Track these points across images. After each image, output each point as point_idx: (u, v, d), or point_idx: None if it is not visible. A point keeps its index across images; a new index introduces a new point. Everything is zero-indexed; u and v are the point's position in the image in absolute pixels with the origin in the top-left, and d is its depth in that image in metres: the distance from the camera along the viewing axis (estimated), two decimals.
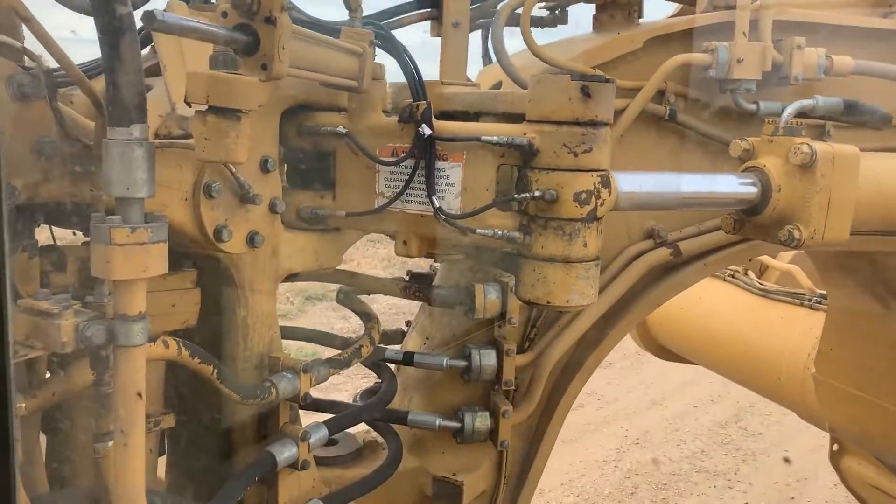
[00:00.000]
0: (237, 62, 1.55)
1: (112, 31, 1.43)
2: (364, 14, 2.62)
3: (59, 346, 1.50)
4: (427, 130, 1.94)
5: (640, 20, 3.08)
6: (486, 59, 3.19)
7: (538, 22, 3.38)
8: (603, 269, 2.68)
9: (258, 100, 1.56)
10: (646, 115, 2.80)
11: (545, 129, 1.90)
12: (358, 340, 2.47)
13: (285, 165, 2.34)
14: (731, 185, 2.26)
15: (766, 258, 5.83)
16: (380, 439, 2.93)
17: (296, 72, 1.68)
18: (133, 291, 1.55)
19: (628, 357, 11.37)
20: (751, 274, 5.73)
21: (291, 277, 2.48)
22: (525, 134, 1.91)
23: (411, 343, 2.91)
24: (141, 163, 1.50)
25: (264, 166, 2.02)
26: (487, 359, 2.57)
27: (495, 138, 1.93)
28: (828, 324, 4.77)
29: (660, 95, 2.84)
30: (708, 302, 5.70)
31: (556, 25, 3.36)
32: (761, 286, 5.51)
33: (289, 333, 2.71)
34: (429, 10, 2.88)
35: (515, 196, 1.93)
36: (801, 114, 2.59)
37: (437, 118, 2.04)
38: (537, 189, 1.90)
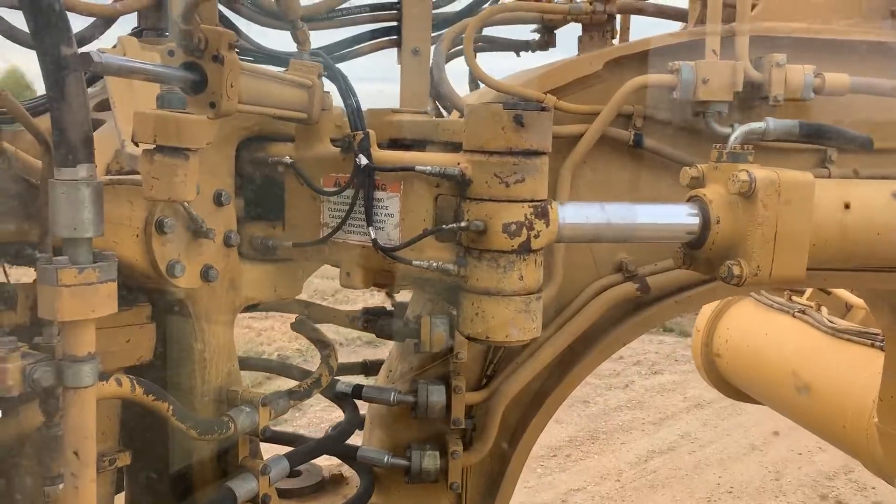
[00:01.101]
0: (184, 101, 1.55)
1: (57, 71, 1.42)
2: (325, 44, 2.66)
3: (6, 390, 1.48)
4: (363, 160, 1.93)
5: (620, 40, 3.01)
6: (473, 84, 3.20)
7: (526, 46, 3.39)
8: (568, 303, 2.65)
9: (206, 137, 1.56)
10: (611, 140, 2.67)
11: (476, 159, 1.88)
12: (316, 370, 2.46)
13: (242, 197, 2.34)
14: (677, 216, 2.09)
15: (846, 294, 5.45)
16: (347, 472, 2.92)
17: (245, 107, 1.68)
18: (81, 332, 1.53)
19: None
20: (824, 310, 5.30)
21: (250, 308, 2.47)
22: (459, 164, 1.90)
23: (381, 376, 2.90)
24: (88, 203, 1.48)
25: (218, 200, 2.01)
26: (435, 395, 2.48)
27: (428, 168, 1.91)
28: (887, 368, 4.31)
29: (627, 120, 2.70)
30: (774, 339, 5.39)
31: (546, 49, 3.37)
32: (831, 324, 5.08)
33: (247, 364, 2.69)
34: (388, 38, 2.91)
35: (444, 227, 1.91)
36: (754, 139, 2.42)
37: (387, 147, 2.05)
38: (468, 220, 1.88)
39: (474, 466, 2.61)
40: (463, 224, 1.86)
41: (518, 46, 3.41)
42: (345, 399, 2.66)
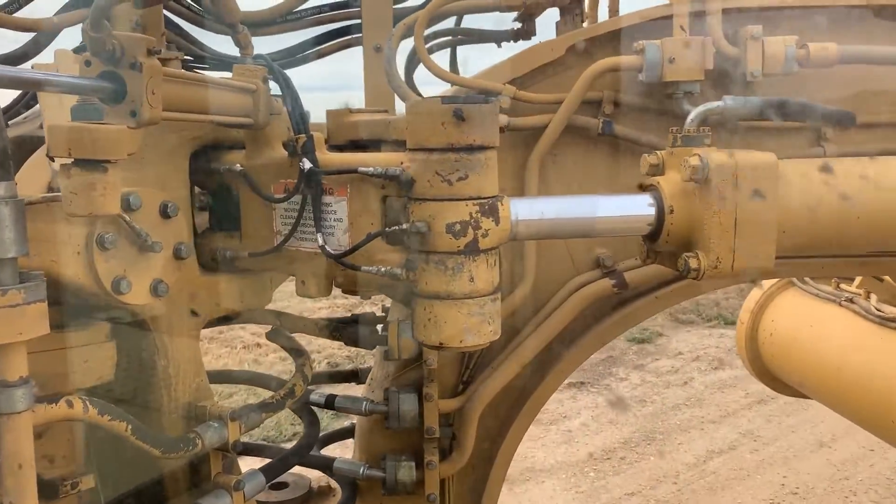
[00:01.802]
0: (102, 111, 1.49)
1: None
2: (281, 48, 2.61)
3: None
4: (307, 164, 1.86)
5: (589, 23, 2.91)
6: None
7: (506, 35, 3.31)
8: (545, 302, 2.56)
9: (127, 148, 1.50)
10: (581, 130, 2.57)
11: (418, 157, 1.79)
12: (290, 380, 2.40)
13: (205, 209, 2.30)
14: (635, 207, 1.97)
15: None
16: (335, 483, 2.87)
17: (173, 115, 1.63)
18: (11, 356, 1.48)
19: None
20: (873, 298, 4.93)
21: (221, 321, 2.43)
22: (402, 163, 1.82)
23: (366, 384, 2.84)
24: (8, 222, 1.43)
25: (164, 212, 1.96)
26: (407, 403, 2.42)
27: (371, 169, 1.84)
28: None
29: (596, 107, 2.60)
30: (819, 329, 5.13)
31: (528, 38, 3.30)
32: (879, 312, 4.79)
33: (224, 377, 2.65)
34: (348, 37, 2.86)
35: (386, 230, 1.83)
36: (713, 120, 2.32)
37: (345, 148, 1.98)
38: (411, 221, 1.79)
39: (457, 475, 2.53)
40: (405, 226, 1.78)
41: (498, 37, 3.33)
42: (303, 410, 2.61)
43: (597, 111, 2.58)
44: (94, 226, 1.79)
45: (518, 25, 3.33)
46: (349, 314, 2.53)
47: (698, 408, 10.50)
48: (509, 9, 2.78)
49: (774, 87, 2.53)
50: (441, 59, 3.30)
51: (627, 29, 2.57)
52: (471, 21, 3.33)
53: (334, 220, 1.94)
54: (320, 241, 1.88)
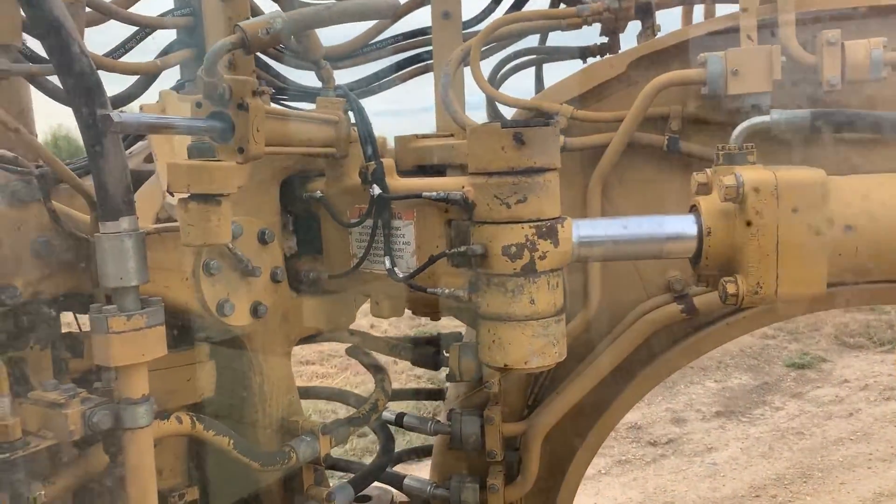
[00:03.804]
0: (213, 149, 1.62)
1: (94, 133, 1.51)
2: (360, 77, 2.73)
3: (68, 435, 1.57)
4: (376, 190, 1.94)
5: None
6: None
7: (590, 52, 3.22)
8: (613, 326, 2.49)
9: (237, 182, 1.63)
10: (647, 147, 2.49)
11: (478, 181, 1.81)
12: (372, 396, 2.50)
13: (294, 233, 2.42)
14: (681, 227, 1.87)
15: None
16: None
17: (273, 149, 1.75)
18: (135, 375, 1.61)
19: None
20: None
21: (308, 339, 2.54)
22: (463, 187, 1.85)
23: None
24: (132, 253, 1.57)
25: (262, 238, 2.09)
26: (469, 426, 2.42)
27: (434, 194, 1.87)
28: None
29: (664, 123, 2.49)
30: None
31: (615, 52, 3.15)
32: None
33: (305, 393, 2.76)
34: (422, 63, 2.97)
35: (446, 252, 1.86)
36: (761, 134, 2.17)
37: (412, 173, 2.04)
38: (473, 244, 1.82)
39: (523, 499, 2.51)
40: (462, 248, 1.81)
41: (581, 53, 3.27)
42: (379, 428, 2.69)
43: (664, 128, 2.50)
44: (202, 253, 1.92)
45: (604, 40, 3.23)
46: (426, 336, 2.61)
47: (865, 443, 9.16)
48: (570, 26, 2.70)
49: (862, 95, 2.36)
50: (526, 78, 3.33)
51: (696, 41, 2.46)
52: (556, 38, 3.26)
53: (403, 243, 2.00)
54: (388, 264, 1.95)
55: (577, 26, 2.66)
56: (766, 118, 2.22)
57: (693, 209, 1.90)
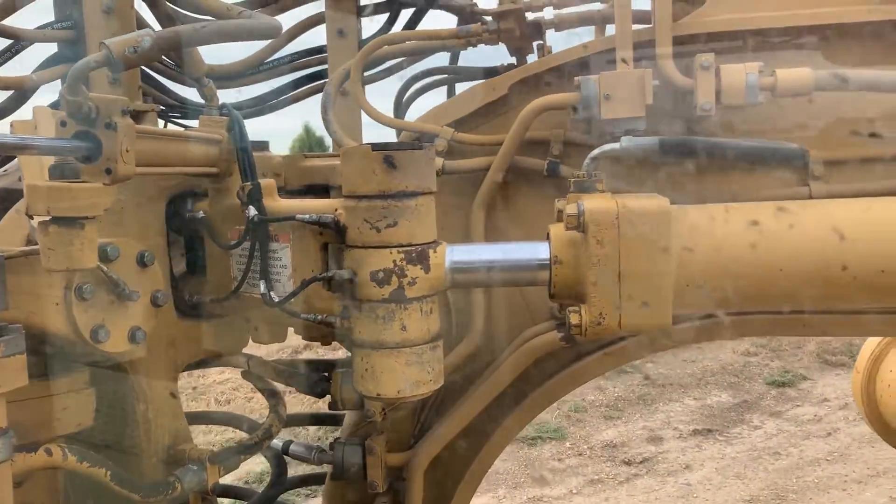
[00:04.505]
0: (77, 170, 1.56)
1: None
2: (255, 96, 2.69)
3: None
4: (252, 212, 1.90)
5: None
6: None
7: (494, 72, 3.11)
8: (497, 354, 2.47)
9: (103, 204, 1.57)
10: (528, 172, 2.45)
11: (349, 205, 1.79)
12: (266, 421, 2.44)
13: (183, 255, 2.35)
14: (536, 255, 1.83)
15: None
16: None
17: (146, 169, 1.69)
18: None
19: None
20: None
21: (199, 364, 2.47)
22: (336, 210, 1.82)
23: None
24: None
25: (141, 261, 2.01)
26: (351, 456, 2.38)
27: (306, 217, 1.84)
28: None
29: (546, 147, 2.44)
30: None
31: None
32: None
33: (196, 418, 2.68)
34: (319, 82, 2.94)
35: (318, 277, 1.83)
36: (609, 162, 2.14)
37: (299, 194, 2.00)
38: (343, 268, 1.79)
39: None
40: (330, 273, 1.78)
41: (487, 73, 3.22)
42: (273, 455, 2.64)
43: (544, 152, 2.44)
44: (73, 277, 1.84)
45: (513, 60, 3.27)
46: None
47: (842, 464, 9.01)
48: (453, 47, 2.72)
49: (744, 118, 2.35)
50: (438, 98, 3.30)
51: (576, 64, 2.43)
52: (470, 57, 3.20)
53: (280, 266, 1.96)
54: (262, 289, 1.90)
55: (464, 46, 2.66)
56: (615, 145, 2.21)
57: (548, 237, 1.87)
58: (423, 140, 2.41)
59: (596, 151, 2.11)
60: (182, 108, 2.84)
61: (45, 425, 2.00)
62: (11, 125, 1.98)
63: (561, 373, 2.47)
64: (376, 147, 1.75)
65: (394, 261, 1.75)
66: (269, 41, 2.76)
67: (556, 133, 2.42)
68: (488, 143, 2.41)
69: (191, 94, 2.85)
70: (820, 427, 10.07)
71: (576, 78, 2.29)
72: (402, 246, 1.76)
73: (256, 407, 9.24)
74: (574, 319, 1.75)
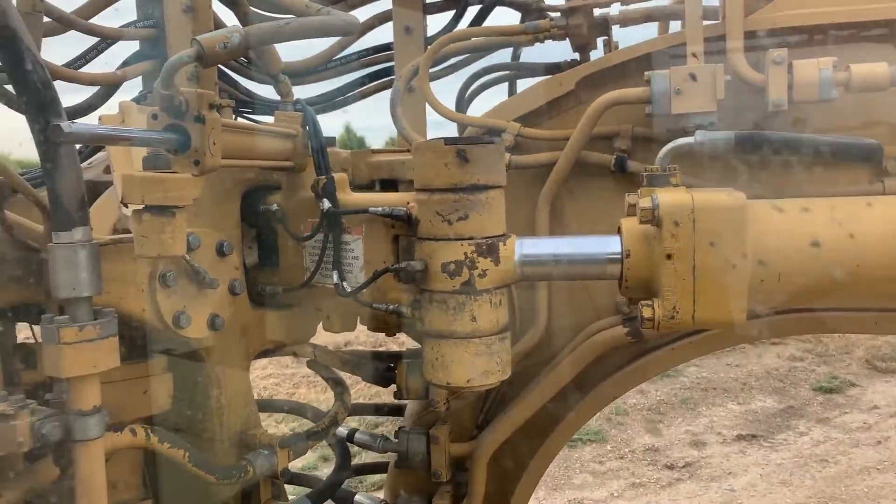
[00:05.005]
0: (168, 161, 1.63)
1: (47, 142, 1.51)
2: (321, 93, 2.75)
3: (16, 446, 1.55)
4: (326, 204, 1.95)
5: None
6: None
7: (557, 68, 3.10)
8: (559, 348, 2.48)
9: (192, 194, 1.63)
10: (595, 166, 2.46)
11: (421, 198, 1.83)
12: (332, 409, 2.50)
13: (256, 246, 2.42)
14: (608, 248, 1.83)
15: None
16: None
17: (230, 162, 1.76)
18: (86, 387, 1.60)
19: None
20: None
21: (267, 353, 2.54)
22: (408, 203, 1.86)
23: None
24: (85, 264, 1.57)
25: (220, 250, 2.09)
26: (415, 444, 2.42)
27: (379, 209, 1.89)
28: None
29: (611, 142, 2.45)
30: None
31: None
32: None
33: (262, 406, 2.75)
34: (385, 79, 2.99)
35: (389, 268, 1.87)
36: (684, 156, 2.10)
37: (367, 188, 2.04)
38: (415, 260, 1.82)
39: None
40: (402, 264, 1.83)
41: (549, 70, 3.22)
42: (337, 443, 2.69)
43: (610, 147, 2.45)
44: (158, 265, 1.92)
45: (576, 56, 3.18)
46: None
47: (893, 473, 8.68)
48: (521, 43, 2.74)
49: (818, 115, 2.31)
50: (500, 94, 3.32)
51: (645, 59, 2.42)
52: (538, 54, 3.24)
53: (352, 258, 2.01)
54: (335, 279, 1.96)
55: (530, 42, 2.68)
56: (690, 140, 2.20)
57: (619, 230, 1.88)
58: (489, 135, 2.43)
59: (670, 145, 2.10)
60: (251, 104, 2.91)
61: (127, 407, 2.08)
62: (99, 119, 2.06)
63: (626, 368, 2.47)
64: (449, 141, 1.79)
65: (465, 253, 1.79)
66: (338, 38, 2.82)
67: (623, 128, 2.42)
68: (555, 139, 2.42)
69: (257, 88, 2.94)
70: (869, 435, 9.67)
71: (646, 73, 2.30)
72: (473, 238, 1.79)
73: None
74: (647, 313, 1.75)
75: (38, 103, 1.48)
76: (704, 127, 2.24)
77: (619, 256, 1.81)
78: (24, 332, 2.08)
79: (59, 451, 1.72)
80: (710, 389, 10.95)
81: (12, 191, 1.71)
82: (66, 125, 1.39)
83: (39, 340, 2.04)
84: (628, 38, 2.90)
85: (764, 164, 2.31)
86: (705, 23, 2.32)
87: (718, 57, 2.33)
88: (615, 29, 2.85)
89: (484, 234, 1.80)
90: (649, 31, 3.06)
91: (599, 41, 2.91)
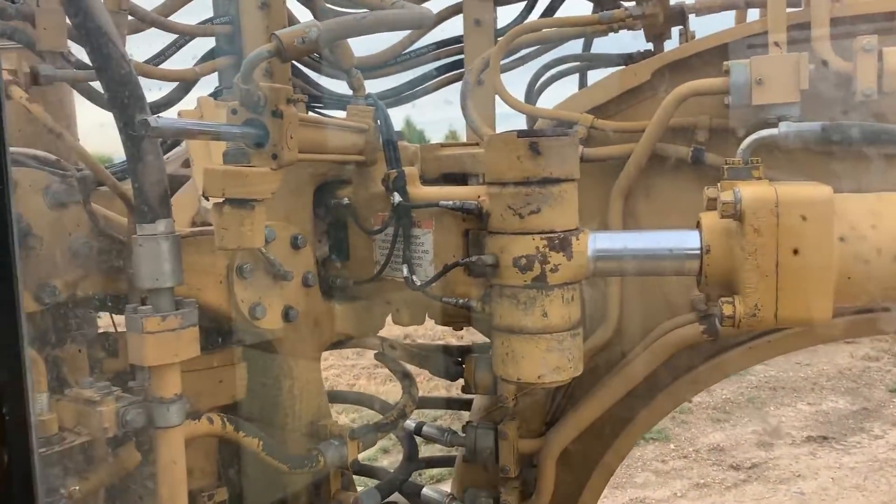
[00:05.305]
0: (248, 155, 1.65)
1: (133, 136, 1.55)
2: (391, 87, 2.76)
3: (102, 432, 1.60)
4: (397, 198, 1.95)
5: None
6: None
7: (634, 58, 3.11)
8: (631, 346, 2.44)
9: (270, 188, 1.66)
10: (670, 159, 2.39)
11: (493, 191, 1.81)
12: (400, 401, 2.51)
13: (326, 239, 2.45)
14: (685, 244, 1.79)
15: None
16: None
17: (305, 156, 1.78)
18: (167, 375, 1.65)
19: None
20: None
21: (336, 344, 2.56)
22: (479, 197, 1.84)
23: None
24: (167, 255, 1.61)
25: (294, 243, 2.12)
26: (483, 440, 2.40)
27: (450, 203, 1.88)
28: None
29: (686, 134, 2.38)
30: None
31: None
32: None
33: (330, 397, 2.78)
34: (454, 72, 2.99)
35: (460, 262, 1.86)
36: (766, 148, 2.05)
37: (434, 182, 2.04)
38: (486, 254, 1.80)
39: None
40: (473, 258, 1.81)
41: (622, 60, 3.18)
42: (405, 435, 2.70)
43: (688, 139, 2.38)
44: (235, 257, 1.96)
45: (649, 46, 3.13)
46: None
47: None
48: (595, 33, 2.69)
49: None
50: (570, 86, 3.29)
51: (724, 48, 2.35)
52: (607, 45, 3.19)
53: (422, 251, 2.01)
54: (405, 272, 1.97)
55: (604, 33, 2.63)
56: (773, 131, 2.13)
57: (698, 225, 1.82)
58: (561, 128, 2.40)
59: (753, 137, 2.04)
60: (320, 98, 2.94)
61: (203, 396, 2.14)
62: (179, 114, 2.11)
63: (701, 366, 2.41)
64: (521, 134, 1.77)
65: (536, 247, 1.77)
66: (408, 32, 2.82)
67: (700, 119, 2.36)
68: (630, 130, 2.37)
69: (325, 82, 2.97)
70: None
71: (725, 63, 2.23)
72: (545, 232, 1.77)
73: None
74: (727, 311, 1.70)
75: (124, 99, 1.52)
76: (787, 118, 2.16)
77: (699, 252, 1.76)
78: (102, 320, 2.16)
79: (140, 438, 1.77)
80: (778, 389, 10.58)
81: (97, 183, 1.76)
82: (152, 119, 1.42)
83: (119, 330, 2.12)
84: (705, 27, 2.83)
85: (855, 156, 2.21)
86: (788, 10, 2.24)
87: (800, 46, 2.24)
88: (692, 18, 2.77)
89: (556, 228, 1.78)
90: (726, 20, 3.00)
91: (674, 31, 2.84)
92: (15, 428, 1.00)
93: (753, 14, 2.79)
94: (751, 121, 2.28)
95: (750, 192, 1.69)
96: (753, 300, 1.68)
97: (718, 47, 2.36)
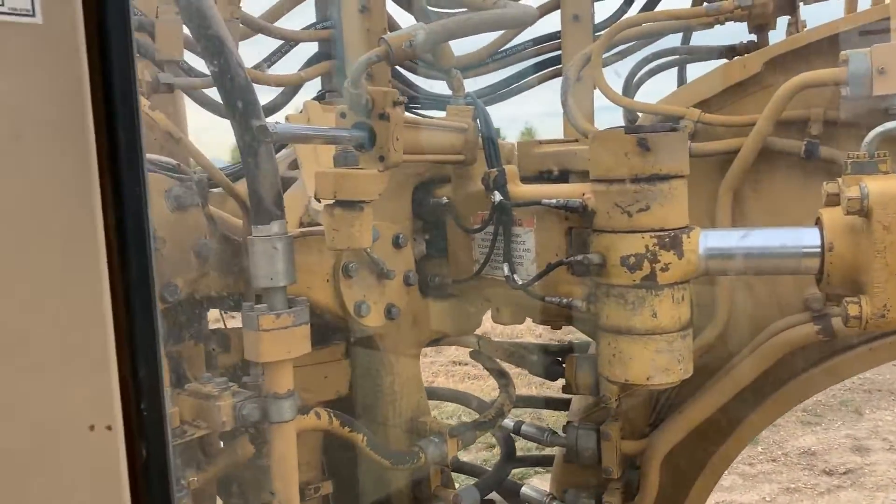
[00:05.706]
0: (357, 157, 1.69)
1: (249, 142, 1.61)
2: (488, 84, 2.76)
3: (220, 425, 1.67)
4: (497, 197, 1.95)
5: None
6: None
7: (737, 51, 3.01)
8: (739, 346, 2.37)
9: (378, 189, 1.69)
10: (782, 154, 2.29)
11: (599, 189, 1.79)
12: (498, 400, 2.52)
13: (425, 238, 2.48)
14: (804, 242, 1.73)
15: None
16: None
17: (410, 157, 1.80)
18: (281, 371, 1.70)
19: None
20: None
21: (433, 342, 2.59)
22: (584, 195, 1.82)
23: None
24: (281, 255, 1.66)
25: (396, 242, 2.15)
26: (585, 440, 2.37)
27: (553, 201, 1.86)
28: None
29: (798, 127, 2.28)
30: None
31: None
32: None
33: (428, 394, 2.81)
34: (551, 69, 2.96)
35: (563, 260, 1.83)
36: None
37: (532, 179, 2.03)
38: (592, 253, 1.77)
39: None
40: (579, 257, 1.79)
41: (725, 53, 3.06)
42: (502, 434, 2.70)
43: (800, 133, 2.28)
44: (341, 256, 2.00)
45: (752, 38, 2.99)
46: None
47: None
48: (700, 26, 2.57)
49: None
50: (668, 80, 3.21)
51: (842, 37, 2.25)
52: (707, 38, 3.07)
53: (523, 250, 2.00)
54: (506, 271, 1.96)
55: (709, 25, 2.55)
56: None
57: (818, 222, 1.76)
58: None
59: (879, 129, 1.91)
60: (417, 98, 2.97)
61: (310, 392, 2.20)
62: (286, 118, 2.18)
63: (814, 368, 2.33)
64: (629, 130, 1.75)
65: (646, 246, 1.73)
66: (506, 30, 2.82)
67: (815, 112, 2.25)
68: (739, 124, 2.28)
69: (422, 82, 2.99)
70: None
71: (842, 52, 2.11)
72: (655, 231, 1.74)
73: None
74: (853, 311, 1.63)
75: (241, 106, 1.57)
76: None
77: (818, 250, 1.70)
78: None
79: (255, 431, 1.84)
80: (874, 391, 10.04)
81: (213, 185, 1.83)
82: (271, 125, 1.47)
83: (230, 326, 2.20)
84: (814, 17, 2.71)
85: None
86: None
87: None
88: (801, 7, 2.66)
89: (666, 227, 1.74)
90: (835, 10, 2.86)
91: (780, 21, 2.73)
92: (152, 423, 1.05)
93: (864, 3, 2.66)
94: (865, 113, 2.15)
95: (878, 186, 1.62)
96: (882, 300, 1.61)
97: (833, 37, 2.25)
